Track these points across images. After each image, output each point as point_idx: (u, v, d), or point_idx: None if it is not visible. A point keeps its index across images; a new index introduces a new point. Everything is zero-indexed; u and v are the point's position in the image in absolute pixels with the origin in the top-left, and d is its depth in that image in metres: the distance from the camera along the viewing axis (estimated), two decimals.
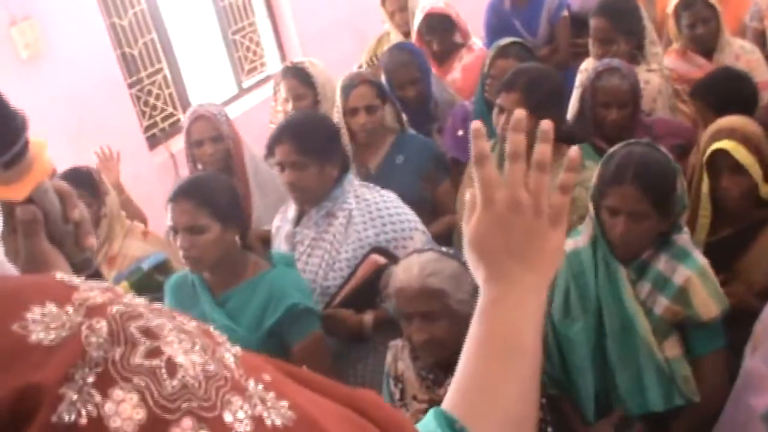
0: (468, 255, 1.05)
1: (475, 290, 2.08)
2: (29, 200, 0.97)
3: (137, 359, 0.54)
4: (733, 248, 2.71)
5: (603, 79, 3.20)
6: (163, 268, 3.02)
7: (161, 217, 3.85)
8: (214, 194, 2.55)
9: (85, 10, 4.78)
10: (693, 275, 2.37)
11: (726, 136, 2.65)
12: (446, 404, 0.96)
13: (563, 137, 2.99)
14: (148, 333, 0.56)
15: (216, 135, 3.52)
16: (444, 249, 2.33)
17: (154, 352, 0.55)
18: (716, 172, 2.69)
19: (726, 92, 3.19)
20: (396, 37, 4.82)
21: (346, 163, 2.99)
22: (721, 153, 2.64)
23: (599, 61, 3.43)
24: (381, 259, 2.74)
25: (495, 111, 3.01)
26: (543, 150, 1.05)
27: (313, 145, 2.80)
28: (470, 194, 1.05)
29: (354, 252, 2.81)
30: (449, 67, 4.44)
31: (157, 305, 0.61)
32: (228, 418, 0.55)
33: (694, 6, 3.85)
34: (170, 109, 5.50)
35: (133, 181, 4.18)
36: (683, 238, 2.45)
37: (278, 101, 3.95)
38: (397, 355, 2.42)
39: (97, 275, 1.08)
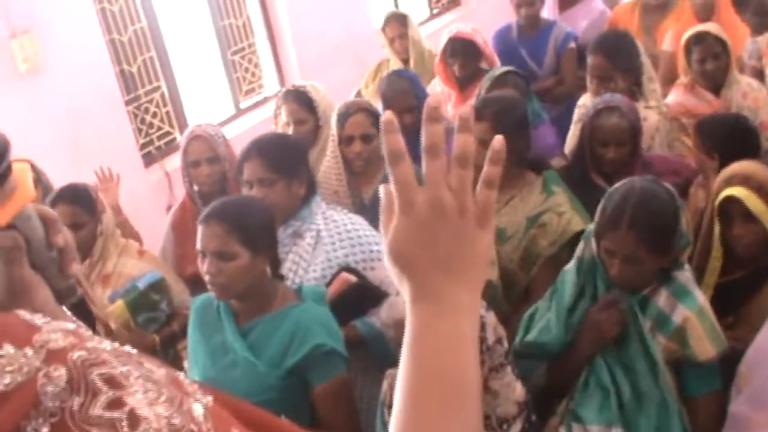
0: (390, 267, 0.93)
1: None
2: (11, 226, 0.93)
3: (97, 410, 0.52)
4: (743, 292, 2.68)
5: (602, 118, 3.18)
6: (158, 287, 3.00)
7: (154, 235, 3.85)
8: (248, 219, 2.44)
9: (85, 25, 4.79)
10: (691, 315, 2.35)
11: (739, 182, 2.61)
12: None
13: (529, 164, 3.06)
14: (111, 382, 0.53)
15: (213, 156, 3.50)
16: None
17: (116, 403, 0.52)
18: (728, 219, 2.65)
19: (733, 140, 3.18)
20: (395, 64, 4.84)
21: (313, 183, 2.98)
22: (734, 200, 2.61)
23: (599, 98, 3.42)
24: (351, 278, 2.73)
25: None
26: (465, 144, 0.91)
27: (281, 162, 2.80)
28: (385, 194, 0.93)
29: (323, 272, 2.79)
30: (470, 93, 4.41)
31: (125, 350, 0.58)
32: None
33: (705, 41, 3.84)
34: (167, 128, 5.50)
35: (128, 198, 4.17)
36: (685, 275, 2.43)
37: (278, 125, 3.94)
38: (393, 384, 2.36)
39: (81, 303, 1.05)
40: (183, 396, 0.58)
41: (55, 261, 0.99)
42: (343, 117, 3.43)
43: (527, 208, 2.99)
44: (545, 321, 2.54)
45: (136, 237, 3.65)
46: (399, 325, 2.16)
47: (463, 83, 4.44)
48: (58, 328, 0.56)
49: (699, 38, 3.86)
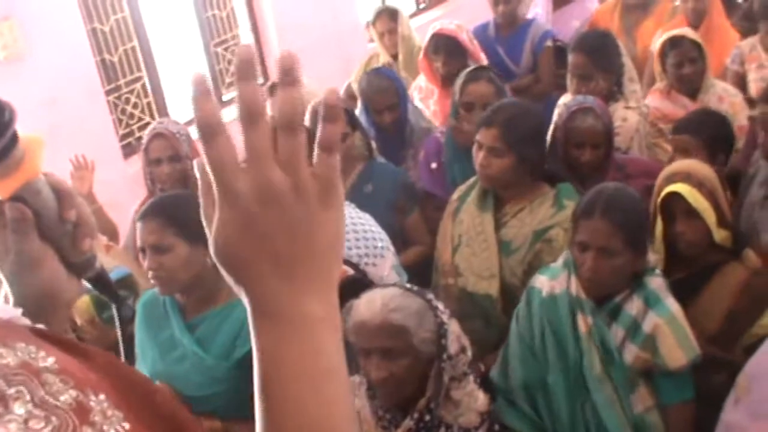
0: (220, 269, 0.76)
1: (438, 329, 2.08)
2: (20, 198, 0.93)
3: None
4: (686, 292, 2.69)
5: (577, 120, 3.16)
6: (125, 282, 2.97)
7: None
8: (183, 212, 2.46)
9: (66, 14, 4.75)
10: (662, 322, 2.35)
11: (681, 179, 2.65)
12: None
13: (544, 176, 2.99)
14: None
15: (174, 154, 3.46)
16: (408, 285, 2.26)
17: None
18: (670, 216, 2.68)
19: (712, 129, 3.25)
20: (384, 58, 4.83)
21: None
22: (676, 196, 2.64)
23: (572, 100, 3.41)
24: (349, 270, 2.72)
25: (474, 147, 2.95)
26: (287, 99, 0.72)
27: None
28: (200, 171, 0.74)
29: None
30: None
31: (33, 366, 0.54)
32: None
33: (681, 45, 3.84)
34: (147, 119, 5.46)
35: (106, 189, 4.14)
36: (656, 280, 2.44)
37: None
38: (354, 392, 2.31)
39: (100, 277, 1.05)
40: (81, 426, 0.53)
41: (69, 235, 0.98)
42: (316, 115, 3.40)
43: (535, 221, 2.90)
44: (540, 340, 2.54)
45: (111, 227, 3.63)
46: (356, 329, 2.14)
47: (447, 80, 4.41)
48: None
49: (675, 42, 3.86)
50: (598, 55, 3.74)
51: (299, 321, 0.73)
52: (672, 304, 2.40)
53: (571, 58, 3.83)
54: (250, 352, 2.37)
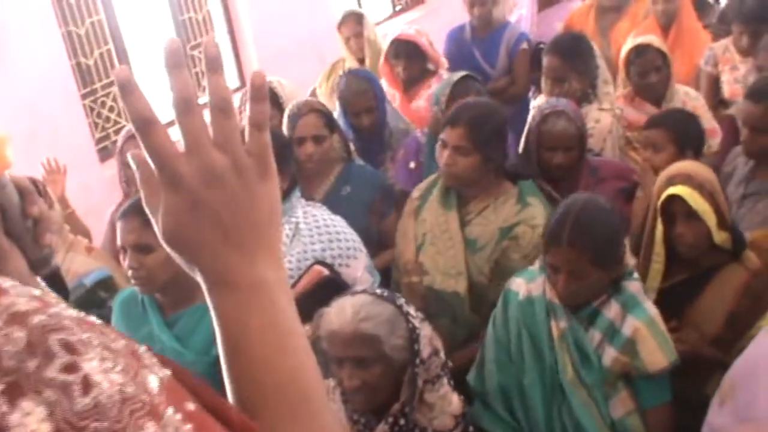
0: (171, 253, 0.80)
1: (410, 335, 2.09)
2: None
3: (52, 372, 0.53)
4: (686, 294, 2.70)
5: (549, 123, 3.16)
6: (106, 284, 2.97)
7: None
8: None
9: (40, 17, 4.73)
10: (641, 326, 2.35)
11: (681, 181, 2.63)
12: None
13: (507, 174, 3.01)
14: (68, 347, 0.54)
15: None
16: (379, 291, 2.25)
17: (71, 368, 0.53)
18: (670, 218, 2.67)
19: (682, 125, 3.27)
20: (351, 63, 4.82)
21: (295, 178, 2.99)
22: (676, 199, 2.62)
23: (545, 103, 3.41)
24: (324, 270, 2.73)
25: (438, 145, 2.98)
26: (216, 86, 0.78)
27: None
28: (138, 163, 0.79)
29: (297, 263, 2.79)
30: (415, 94, 4.44)
31: (89, 319, 0.59)
32: None
33: (647, 54, 3.84)
34: (123, 122, 5.44)
35: (82, 193, 4.13)
36: (634, 285, 2.44)
37: (243, 120, 3.91)
38: (329, 395, 2.29)
39: (55, 274, 1.05)
40: (139, 367, 0.58)
41: (30, 231, 1.00)
42: (294, 118, 3.40)
43: (500, 218, 2.92)
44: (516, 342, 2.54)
45: (85, 231, 3.61)
46: (328, 338, 2.13)
47: (408, 84, 4.46)
48: (24, 293, 0.56)
49: (640, 51, 3.86)
50: (572, 57, 3.77)
51: (257, 286, 0.78)
52: (650, 308, 2.41)
53: (545, 60, 3.85)
54: None
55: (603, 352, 2.39)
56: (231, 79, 6.28)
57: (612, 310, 2.40)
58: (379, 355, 2.07)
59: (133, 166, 0.80)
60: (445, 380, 2.17)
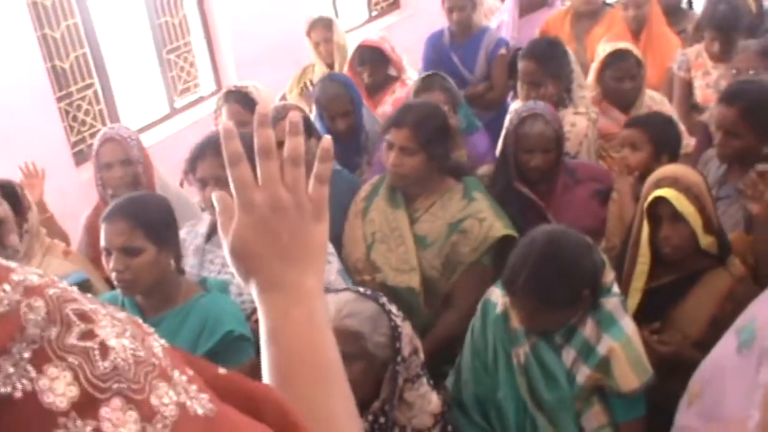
0: (234, 264, 0.99)
1: (393, 333, 2.10)
2: None
3: (72, 339, 0.57)
4: (671, 297, 2.72)
5: (526, 125, 3.18)
6: (83, 287, 2.92)
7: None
8: (151, 214, 2.49)
9: (15, 20, 4.70)
10: (617, 346, 2.35)
11: (668, 184, 2.65)
12: None
13: (450, 170, 3.09)
14: (83, 316, 0.59)
15: (125, 159, 3.45)
16: (362, 289, 2.27)
17: (88, 334, 0.58)
18: (656, 220, 2.69)
19: (660, 127, 3.32)
20: (320, 68, 4.84)
21: None
22: (662, 201, 2.64)
23: (523, 105, 3.44)
24: None
25: (383, 146, 3.05)
26: (295, 146, 1.00)
27: None
28: (220, 199, 1.01)
29: None
30: (380, 100, 4.49)
31: (87, 295, 0.63)
32: (155, 401, 0.59)
33: (627, 60, 3.87)
34: (99, 126, 5.41)
35: (58, 197, 4.10)
36: (612, 302, 2.42)
37: (219, 125, 3.91)
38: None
39: None
40: (144, 334, 0.64)
41: None
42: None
43: (448, 214, 3.00)
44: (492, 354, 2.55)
45: (62, 235, 3.59)
46: None
47: (372, 90, 4.51)
48: (30, 270, 0.60)
49: (621, 56, 3.88)
50: (548, 61, 3.80)
51: (299, 290, 0.97)
52: (627, 325, 2.40)
53: (520, 65, 3.88)
54: (213, 348, 2.36)
55: (578, 370, 2.39)
56: (207, 83, 6.27)
57: (588, 328, 2.39)
58: (362, 351, 2.09)
59: (215, 202, 1.00)
60: (424, 380, 2.19)
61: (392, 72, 4.56)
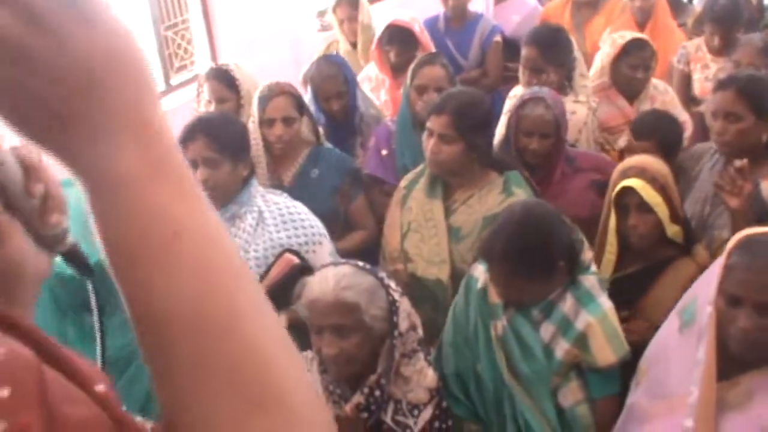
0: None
1: (390, 307, 2.10)
2: None
3: None
4: (638, 286, 2.77)
5: (527, 108, 3.20)
6: None
7: None
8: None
9: None
10: (594, 321, 2.39)
11: (635, 174, 2.71)
12: None
13: (493, 164, 3.04)
14: None
15: None
16: (360, 263, 2.28)
17: None
18: (624, 210, 2.75)
19: (666, 132, 3.30)
20: (344, 45, 4.83)
21: (253, 166, 3.01)
22: (629, 191, 2.70)
23: (527, 89, 3.45)
24: (295, 259, 2.73)
25: (425, 134, 3.00)
26: None
27: (228, 142, 2.80)
28: None
29: (264, 252, 2.78)
30: (404, 81, 4.44)
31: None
32: None
33: (644, 50, 3.87)
34: None
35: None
36: (590, 279, 2.47)
37: (201, 102, 3.90)
38: (306, 367, 2.33)
39: (73, 251, 1.01)
40: None
41: (35, 209, 0.93)
42: (265, 99, 3.40)
43: (484, 207, 2.95)
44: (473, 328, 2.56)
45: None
46: (309, 306, 2.16)
47: (398, 70, 4.44)
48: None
49: (641, 45, 3.88)
50: (550, 49, 3.79)
51: (113, 181, 0.58)
52: (604, 303, 2.44)
53: (524, 51, 3.87)
54: None
55: (556, 345, 2.42)
56: (203, 61, 6.23)
57: (567, 304, 2.42)
58: (359, 324, 2.11)
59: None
60: (421, 355, 2.21)
61: (419, 54, 4.48)
